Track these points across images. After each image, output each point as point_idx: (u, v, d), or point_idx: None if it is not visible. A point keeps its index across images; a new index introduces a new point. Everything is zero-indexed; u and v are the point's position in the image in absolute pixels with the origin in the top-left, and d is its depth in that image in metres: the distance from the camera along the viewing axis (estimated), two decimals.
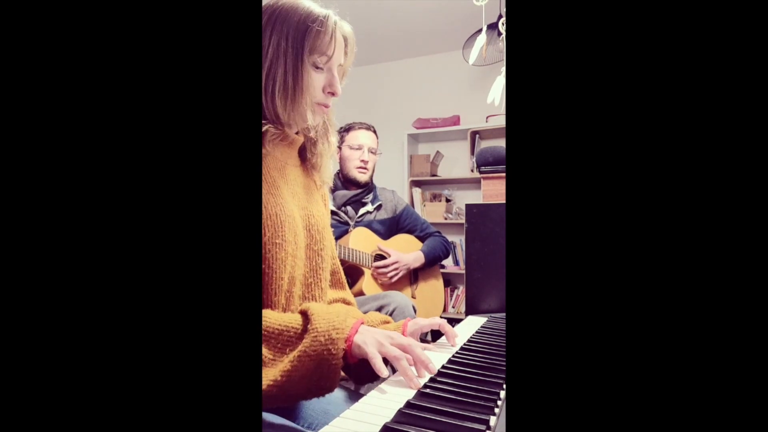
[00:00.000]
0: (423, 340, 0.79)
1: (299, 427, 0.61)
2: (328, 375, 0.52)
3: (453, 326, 0.90)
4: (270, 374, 0.52)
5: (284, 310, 0.65)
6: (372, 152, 1.68)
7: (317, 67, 0.66)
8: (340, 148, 1.70)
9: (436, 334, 0.79)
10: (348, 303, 0.85)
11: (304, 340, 0.53)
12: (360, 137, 1.67)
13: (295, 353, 0.52)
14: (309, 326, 0.54)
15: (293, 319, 0.57)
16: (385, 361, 0.55)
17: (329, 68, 0.67)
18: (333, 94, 0.68)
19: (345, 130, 1.71)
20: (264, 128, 0.64)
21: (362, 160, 1.65)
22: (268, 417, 0.59)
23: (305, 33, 0.63)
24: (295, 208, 0.68)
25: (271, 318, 0.57)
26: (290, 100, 0.64)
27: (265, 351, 0.54)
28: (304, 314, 0.57)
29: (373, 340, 0.55)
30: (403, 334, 0.73)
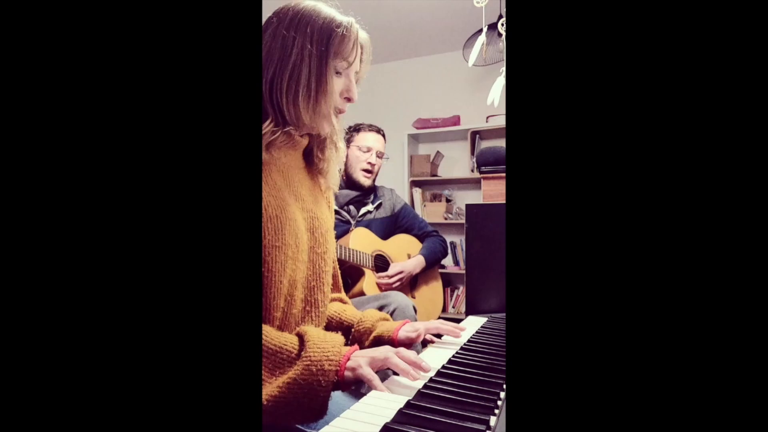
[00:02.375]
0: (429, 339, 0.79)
1: (300, 426, 0.61)
2: (315, 405, 0.51)
3: None
4: None
5: (285, 314, 0.65)
6: (379, 156, 1.68)
7: (337, 72, 0.66)
8: (348, 147, 1.70)
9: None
10: (344, 302, 0.85)
11: (295, 367, 0.52)
12: (369, 139, 1.67)
13: (285, 379, 0.52)
14: (303, 353, 0.54)
15: (289, 341, 0.56)
16: (381, 373, 0.55)
17: (347, 74, 0.68)
18: (349, 99, 0.69)
19: (354, 130, 1.70)
20: (274, 136, 0.64)
21: (369, 163, 1.65)
22: None
23: (330, 37, 0.63)
24: (297, 210, 0.68)
25: (268, 335, 0.56)
26: (313, 103, 0.64)
27: None
28: (301, 338, 0.57)
29: (365, 359, 0.55)
30: (396, 332, 0.74)
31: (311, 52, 0.62)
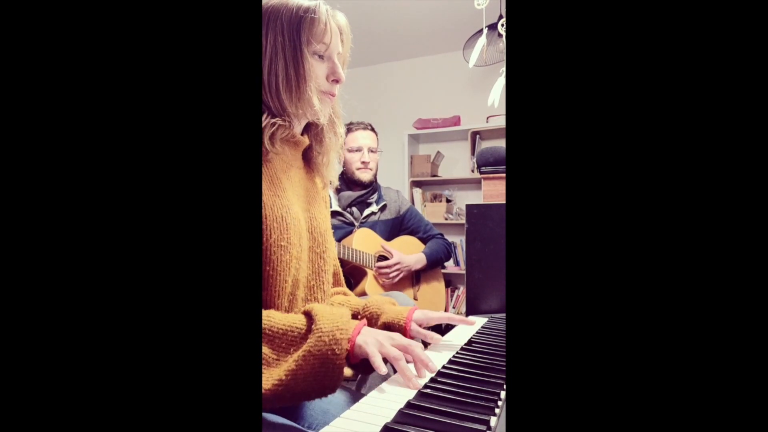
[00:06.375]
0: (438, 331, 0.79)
1: (300, 427, 0.61)
2: (332, 374, 0.53)
3: (454, 326, 0.90)
4: (275, 374, 0.52)
5: (287, 313, 0.65)
6: (372, 151, 1.68)
7: (318, 56, 0.66)
8: None
9: (449, 328, 0.80)
10: (346, 295, 0.85)
11: (308, 340, 0.53)
12: (359, 139, 1.67)
13: (300, 353, 0.53)
14: (313, 326, 0.55)
15: (297, 320, 0.57)
16: (385, 360, 0.55)
17: (329, 56, 0.68)
18: (337, 81, 0.69)
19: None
20: (273, 128, 0.64)
21: (363, 162, 1.66)
22: (269, 417, 0.60)
23: (299, 23, 0.64)
24: (299, 210, 0.68)
25: (275, 318, 0.57)
26: (295, 90, 0.64)
27: (269, 351, 0.54)
28: (308, 315, 0.58)
29: (374, 341, 0.56)
30: (408, 320, 0.73)
31: (284, 44, 0.63)
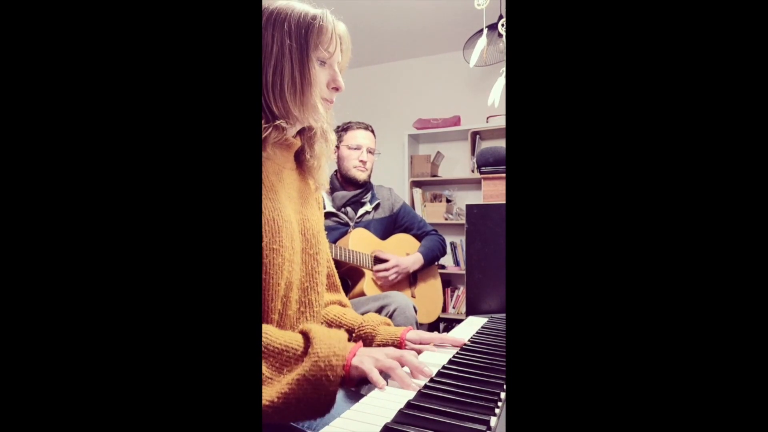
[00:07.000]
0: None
1: (299, 427, 0.61)
2: (324, 400, 0.52)
3: (453, 327, 0.90)
4: (266, 394, 0.51)
5: (281, 316, 0.65)
6: (370, 152, 1.68)
7: (321, 62, 0.67)
8: (338, 147, 1.69)
9: (448, 329, 0.80)
10: (343, 305, 0.85)
11: (303, 364, 0.53)
12: (359, 137, 1.67)
13: (294, 376, 0.52)
14: (310, 350, 0.54)
15: (294, 339, 0.57)
16: (383, 374, 0.55)
17: (330, 64, 0.69)
18: (337, 89, 0.70)
19: (343, 129, 1.70)
20: (266, 132, 0.64)
21: (361, 161, 1.65)
22: None
23: (308, 29, 0.64)
24: (291, 212, 0.68)
25: (271, 335, 0.56)
26: (300, 94, 0.65)
27: (264, 368, 0.54)
28: (305, 335, 0.57)
29: (369, 358, 0.56)
30: (402, 339, 0.74)
31: (291, 47, 0.64)
